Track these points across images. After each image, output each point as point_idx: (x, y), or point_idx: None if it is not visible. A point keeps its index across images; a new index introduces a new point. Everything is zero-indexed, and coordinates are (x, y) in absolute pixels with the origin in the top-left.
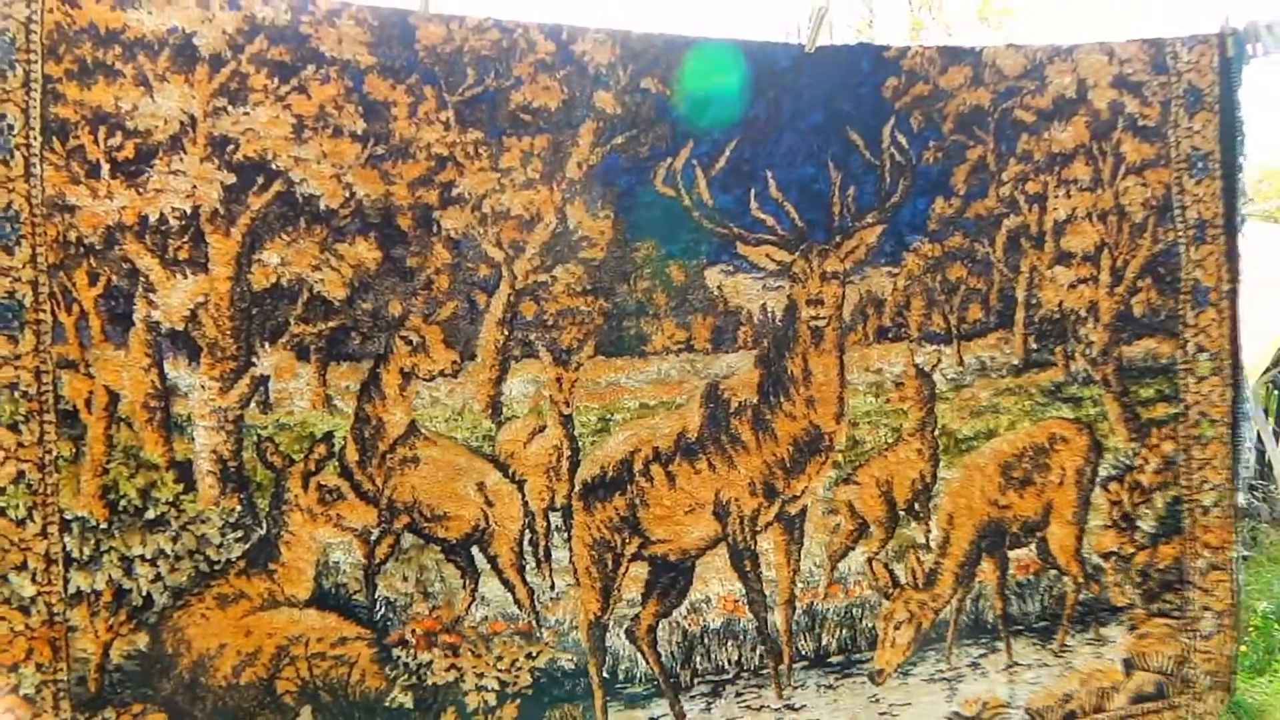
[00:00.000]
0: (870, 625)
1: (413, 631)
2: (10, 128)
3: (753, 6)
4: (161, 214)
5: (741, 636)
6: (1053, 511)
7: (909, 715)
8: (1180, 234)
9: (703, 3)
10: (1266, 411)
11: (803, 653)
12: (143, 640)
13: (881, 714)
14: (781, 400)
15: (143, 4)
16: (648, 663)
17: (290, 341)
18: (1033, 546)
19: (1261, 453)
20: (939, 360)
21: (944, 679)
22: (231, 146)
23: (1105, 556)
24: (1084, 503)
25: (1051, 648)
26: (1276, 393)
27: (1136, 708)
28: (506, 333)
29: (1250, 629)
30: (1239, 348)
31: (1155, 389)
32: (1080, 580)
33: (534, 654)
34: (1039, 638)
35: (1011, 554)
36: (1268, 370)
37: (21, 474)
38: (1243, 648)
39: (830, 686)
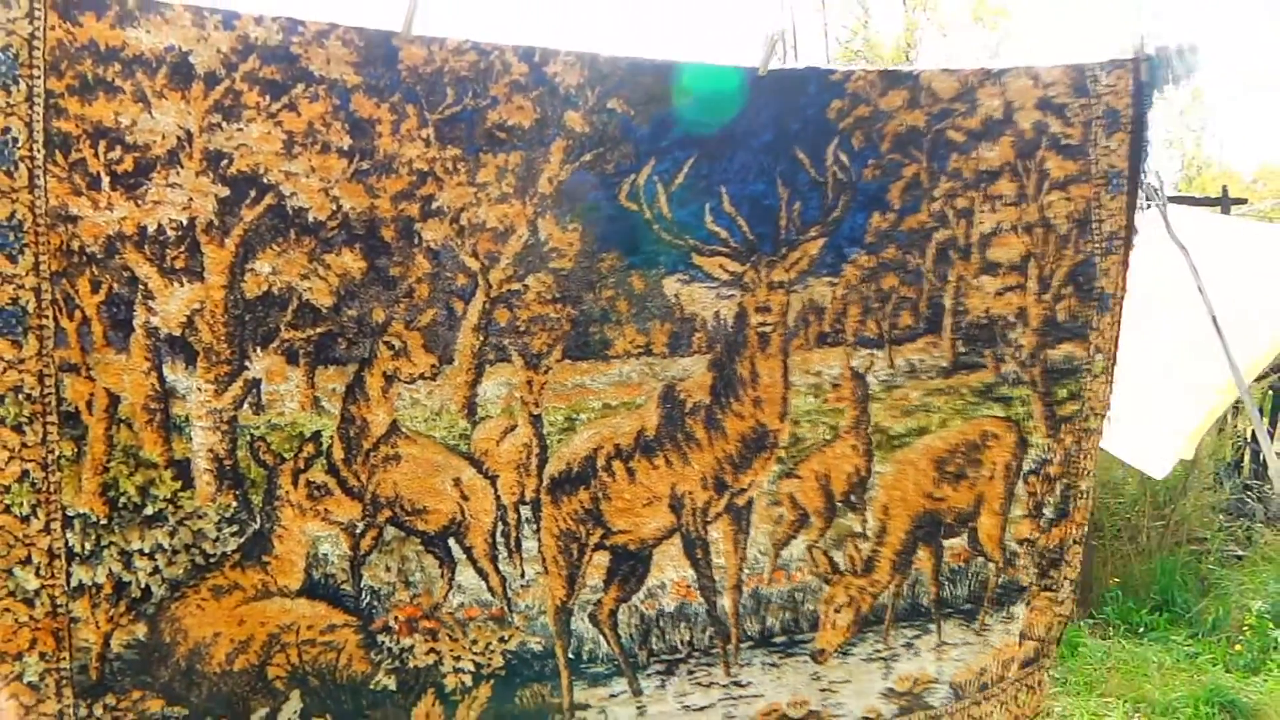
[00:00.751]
0: (811, 609)
1: (395, 618)
2: (15, 140)
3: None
4: (159, 225)
5: (693, 619)
6: (983, 503)
7: (848, 691)
8: (1096, 245)
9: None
10: (1261, 412)
11: (749, 634)
12: (141, 630)
13: (822, 690)
14: (731, 401)
15: (141, 23)
16: (609, 644)
17: (281, 346)
18: (964, 536)
19: (1257, 453)
20: (872, 363)
21: (881, 658)
22: (225, 161)
23: (1020, 543)
24: (1010, 495)
25: (974, 627)
26: (1272, 394)
27: (1022, 673)
28: (481, 338)
29: (1245, 629)
30: (1118, 347)
31: (1068, 389)
32: (1000, 565)
33: (506, 637)
34: (964, 619)
35: (946, 543)
36: (1265, 376)
37: (26, 473)
38: (1238, 646)
39: (774, 665)
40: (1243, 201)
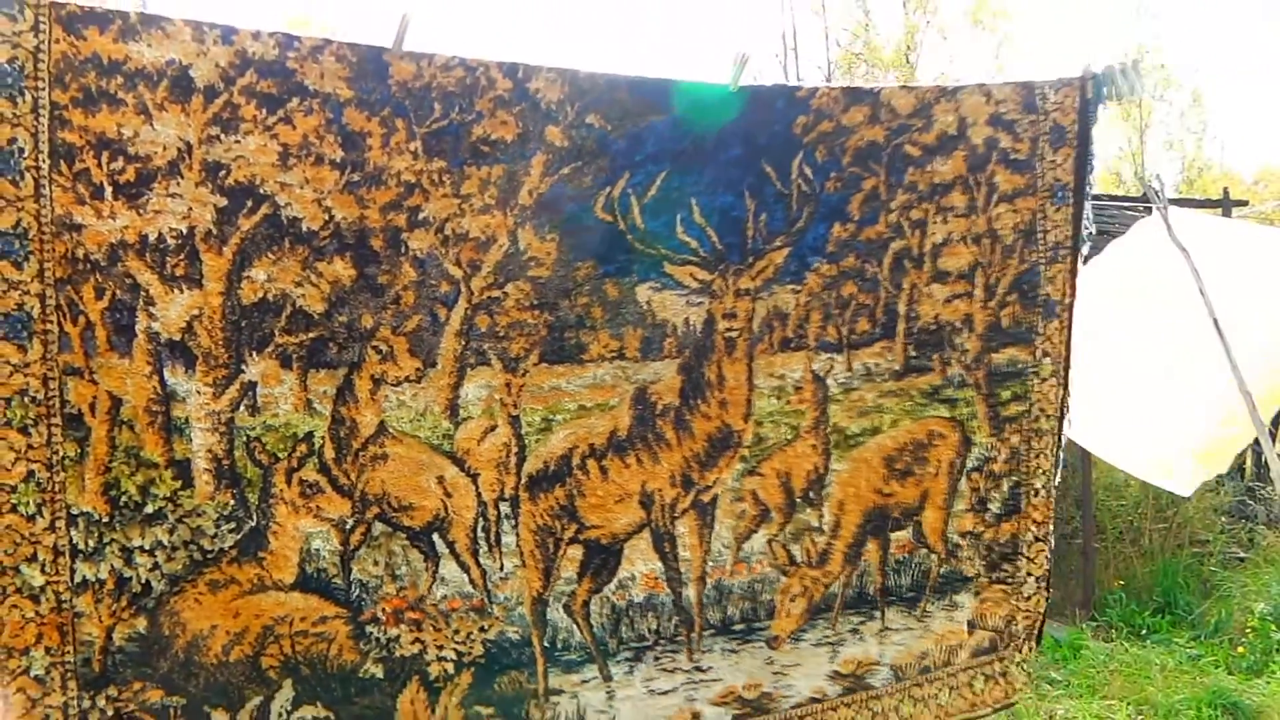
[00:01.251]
0: (769, 598)
1: (383, 610)
2: (21, 151)
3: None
4: (160, 233)
5: (660, 609)
6: (927, 498)
7: (797, 674)
8: (1041, 255)
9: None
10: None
11: (711, 622)
12: (141, 624)
13: (775, 673)
14: (699, 402)
15: (143, 37)
16: (582, 633)
17: (275, 351)
18: (909, 529)
19: (1259, 455)
20: (832, 367)
21: (829, 643)
22: (223, 172)
23: (963, 535)
24: (953, 490)
25: (915, 614)
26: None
27: (974, 660)
28: (464, 343)
29: (1248, 631)
30: (1069, 352)
31: (1011, 391)
32: (943, 556)
33: (486, 627)
34: (907, 606)
35: (893, 536)
36: None
37: (32, 473)
38: (1240, 649)
39: (733, 651)
40: (1244, 203)
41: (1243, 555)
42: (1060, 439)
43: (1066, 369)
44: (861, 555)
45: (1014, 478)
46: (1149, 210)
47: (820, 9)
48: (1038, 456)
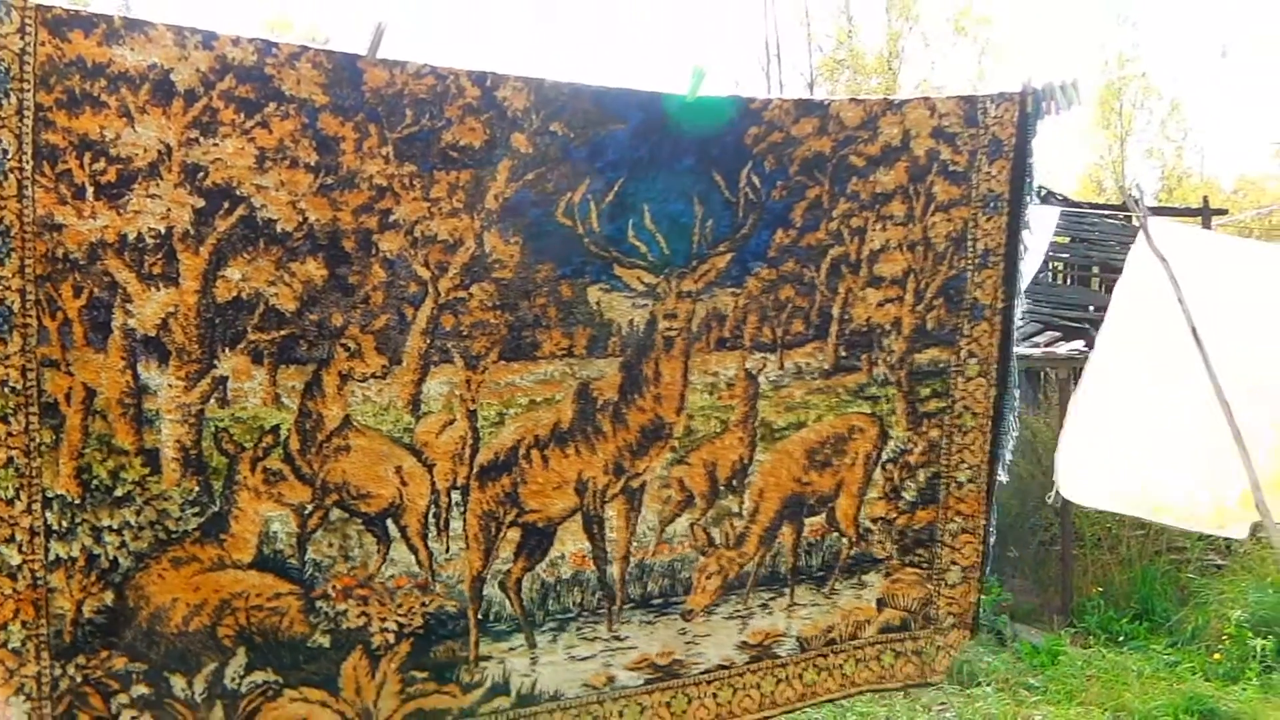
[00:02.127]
0: (687, 576)
1: (334, 587)
2: (5, 152)
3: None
4: (139, 233)
5: (586, 584)
6: (843, 487)
7: (708, 643)
8: (969, 262)
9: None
10: None
11: (632, 597)
12: (109, 597)
13: (687, 643)
14: (635, 397)
15: (126, 41)
16: (513, 607)
17: (247, 347)
18: (823, 515)
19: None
20: (765, 365)
21: (739, 616)
22: (202, 174)
23: (874, 521)
24: (867, 480)
25: (824, 591)
26: None
27: (883, 636)
28: (428, 341)
29: (1225, 638)
30: (1009, 355)
31: (931, 388)
32: (854, 540)
33: (427, 602)
34: (816, 584)
35: (807, 521)
36: None
37: (10, 459)
38: (1217, 656)
39: (650, 622)
40: (1223, 212)
41: (1220, 563)
42: (995, 437)
43: (1002, 370)
44: (776, 538)
45: (932, 469)
46: (1128, 219)
47: (804, 16)
48: (961, 450)
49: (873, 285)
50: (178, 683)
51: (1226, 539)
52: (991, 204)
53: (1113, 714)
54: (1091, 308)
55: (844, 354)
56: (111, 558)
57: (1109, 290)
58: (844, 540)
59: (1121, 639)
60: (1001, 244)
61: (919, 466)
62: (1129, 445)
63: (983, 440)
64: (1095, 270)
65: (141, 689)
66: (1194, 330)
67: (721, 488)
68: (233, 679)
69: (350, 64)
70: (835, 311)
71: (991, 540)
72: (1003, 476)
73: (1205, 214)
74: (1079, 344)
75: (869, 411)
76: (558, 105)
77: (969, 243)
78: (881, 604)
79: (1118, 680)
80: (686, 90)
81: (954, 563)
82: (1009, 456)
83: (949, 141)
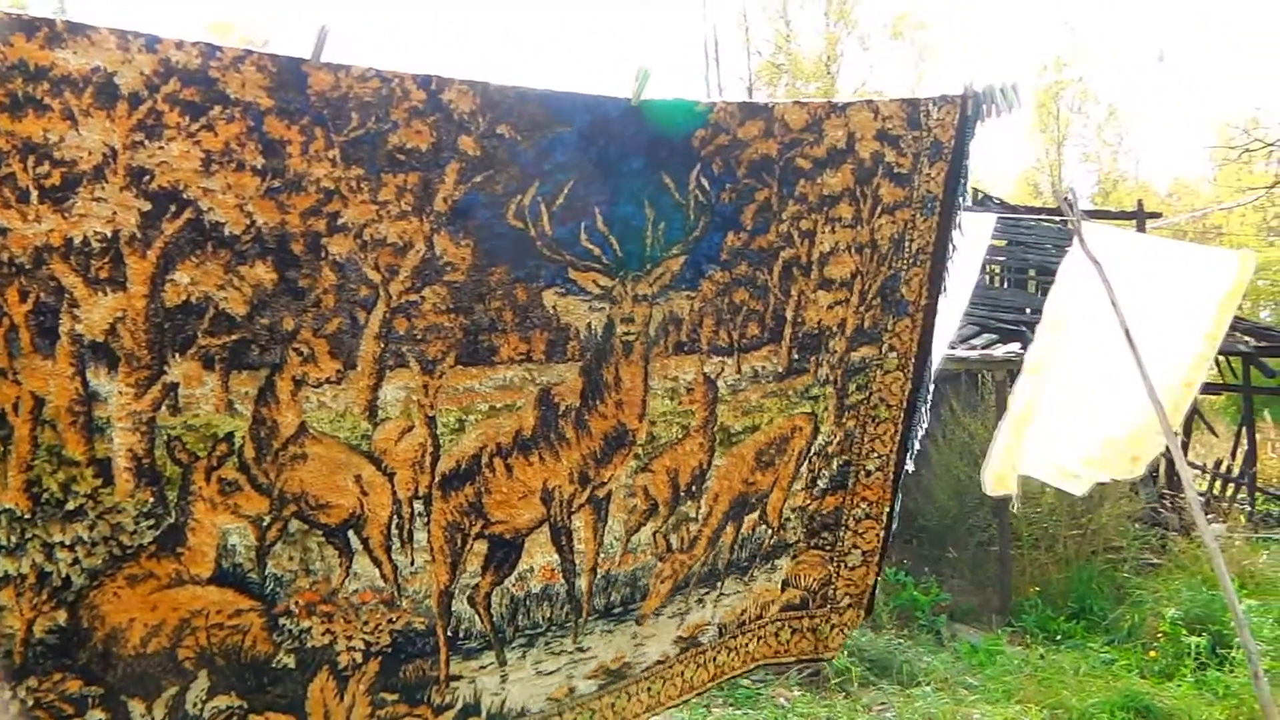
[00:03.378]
0: (646, 583)
1: (296, 603)
2: None
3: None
4: (85, 237)
5: (554, 599)
6: (776, 483)
7: (651, 643)
8: (903, 261)
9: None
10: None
11: (596, 608)
12: (62, 617)
13: (636, 645)
14: (597, 403)
15: (69, 44)
16: (482, 623)
17: (198, 352)
18: (758, 510)
19: (1171, 464)
20: (723, 369)
21: (680, 614)
22: (148, 177)
23: (793, 510)
24: (796, 474)
25: (744, 580)
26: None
27: (783, 614)
28: (382, 345)
29: (1160, 635)
30: (928, 351)
31: (856, 383)
32: (775, 529)
33: (394, 619)
34: (740, 574)
35: (746, 518)
36: None
37: None
38: (1152, 653)
39: (609, 631)
40: (1158, 215)
41: (1155, 561)
42: (904, 429)
43: (919, 365)
44: (721, 538)
45: (844, 457)
46: (1065, 222)
47: (742, 20)
48: (872, 440)
49: (824, 288)
50: (136, 708)
51: (1162, 539)
52: (928, 205)
53: (1050, 712)
54: (1028, 310)
55: (796, 356)
56: (64, 575)
57: (1045, 293)
58: (768, 531)
59: (1059, 638)
60: (930, 242)
61: (834, 455)
62: (1051, 441)
63: (894, 431)
64: (1032, 273)
65: (98, 714)
66: (1127, 332)
67: (682, 494)
68: (195, 704)
69: (295, 67)
70: (789, 314)
71: (894, 526)
72: (910, 466)
73: (1140, 217)
74: (1015, 346)
75: (809, 411)
76: (504, 108)
77: (906, 243)
78: (786, 584)
79: (1055, 678)
80: (632, 93)
81: (855, 546)
82: (917, 447)
83: (893, 144)
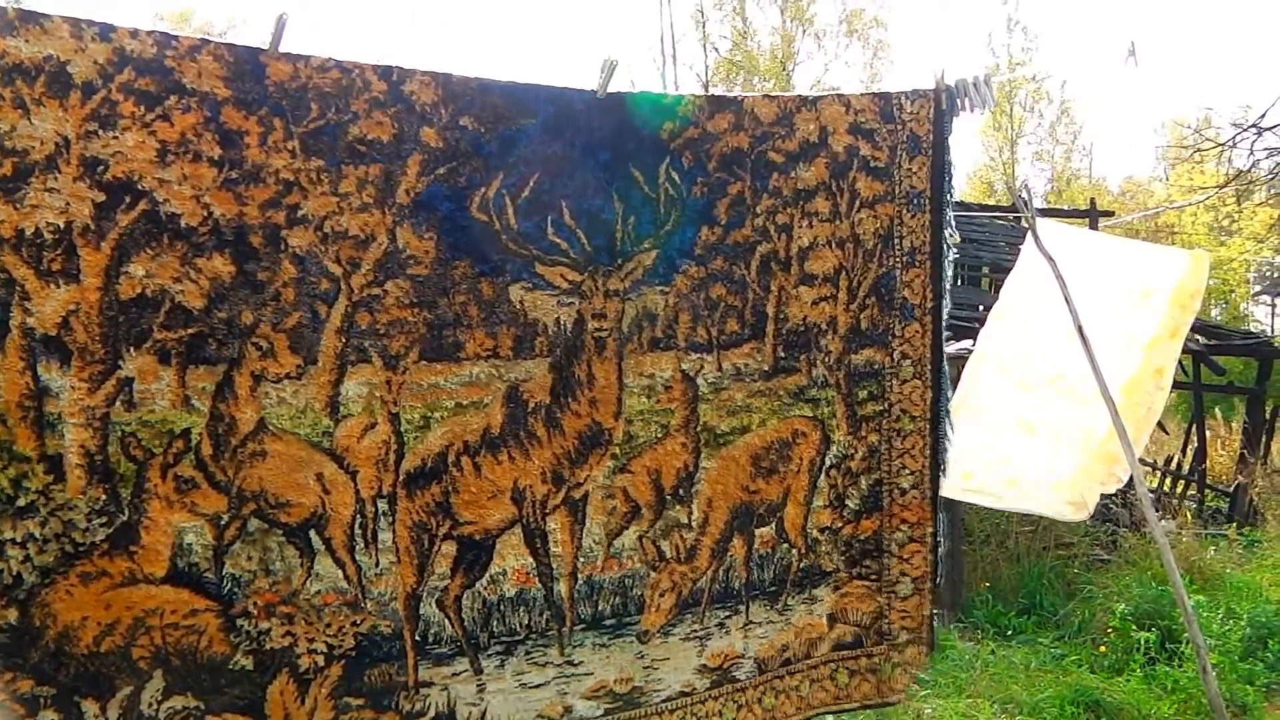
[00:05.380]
0: (639, 593)
1: (255, 604)
2: None
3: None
4: (37, 228)
5: (531, 604)
6: (789, 495)
7: (666, 667)
8: (897, 260)
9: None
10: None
11: (582, 617)
12: (13, 615)
13: (645, 667)
14: (569, 401)
15: (20, 32)
16: (453, 627)
17: (153, 346)
18: (773, 525)
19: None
20: (702, 366)
21: (697, 637)
22: (102, 167)
23: (821, 531)
24: (813, 487)
25: (777, 608)
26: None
27: (836, 654)
28: (344, 340)
29: (1110, 630)
30: (941, 355)
31: (868, 390)
32: (802, 551)
33: (359, 621)
34: (769, 600)
35: (757, 531)
36: None
37: None
38: (1102, 648)
39: (604, 645)
40: (1110, 214)
41: (1105, 557)
42: (933, 441)
43: (935, 371)
44: (728, 551)
45: (874, 475)
46: (1018, 219)
47: (699, 16)
48: (901, 456)
49: (805, 283)
50: (89, 708)
51: (1112, 534)
52: (915, 201)
53: (1001, 706)
54: (981, 308)
55: (783, 354)
56: (15, 573)
57: (998, 290)
58: (793, 552)
59: (1009, 633)
60: (926, 241)
61: (860, 473)
62: (997, 439)
63: (923, 444)
64: (985, 270)
65: (50, 715)
66: (1080, 328)
67: (668, 497)
68: (149, 704)
69: (252, 57)
70: (770, 310)
71: (941, 550)
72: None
73: (1092, 215)
74: (968, 343)
75: (810, 415)
76: (466, 99)
77: (896, 240)
78: (833, 619)
79: (1006, 673)
80: (597, 85)
81: (904, 574)
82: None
83: (868, 137)
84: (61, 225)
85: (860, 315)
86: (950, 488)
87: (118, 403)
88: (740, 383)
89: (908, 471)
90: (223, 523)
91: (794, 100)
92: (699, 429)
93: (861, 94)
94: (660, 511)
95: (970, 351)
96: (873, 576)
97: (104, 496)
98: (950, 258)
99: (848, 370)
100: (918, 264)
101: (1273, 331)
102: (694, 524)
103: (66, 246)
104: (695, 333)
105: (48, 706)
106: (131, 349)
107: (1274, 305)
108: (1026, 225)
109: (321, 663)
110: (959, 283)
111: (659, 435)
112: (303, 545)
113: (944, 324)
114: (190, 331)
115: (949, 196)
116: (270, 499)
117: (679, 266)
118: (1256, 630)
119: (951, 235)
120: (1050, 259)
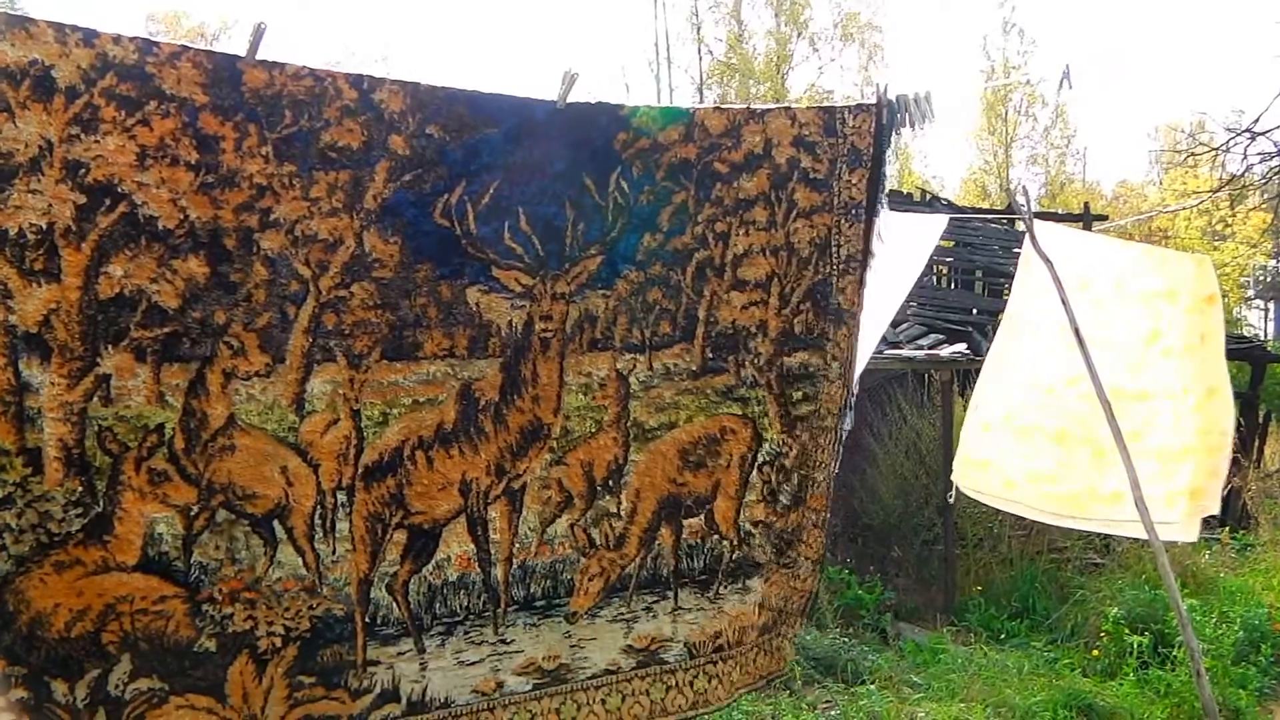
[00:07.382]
0: (569, 577)
1: (220, 590)
2: None
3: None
4: (20, 229)
5: (471, 587)
6: (719, 488)
7: (593, 647)
8: (834, 267)
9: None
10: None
11: (515, 599)
12: None
13: (572, 646)
14: (515, 398)
15: (6, 36)
16: (400, 610)
17: (130, 344)
18: (702, 516)
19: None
20: (635, 366)
21: (623, 620)
22: (83, 170)
23: (755, 524)
24: (744, 482)
25: (709, 596)
26: None
27: (760, 638)
28: (311, 339)
29: (1102, 634)
30: (855, 356)
31: (802, 392)
32: (735, 543)
33: (314, 605)
34: (699, 588)
35: (685, 522)
36: None
37: None
38: (1095, 652)
39: (534, 625)
40: (1104, 218)
41: (1099, 561)
42: (839, 436)
43: (849, 371)
44: (656, 539)
45: (801, 472)
46: (1012, 223)
47: (694, 18)
48: (821, 452)
49: (737, 289)
50: (59, 688)
51: (1105, 538)
52: (853, 211)
53: (994, 710)
54: (975, 311)
55: (711, 355)
56: None
57: (992, 294)
58: (725, 543)
59: (1003, 636)
60: (859, 250)
61: (793, 470)
62: (1018, 443)
63: (834, 439)
64: (978, 274)
65: (20, 693)
66: (1077, 330)
67: (598, 488)
68: (116, 685)
69: (230, 64)
70: (701, 314)
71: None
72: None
73: (1086, 219)
74: (962, 346)
75: (740, 413)
76: (433, 108)
77: (833, 249)
78: (761, 608)
79: (999, 677)
80: (558, 96)
81: (805, 557)
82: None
83: (809, 150)
84: (44, 226)
85: (794, 320)
86: (991, 496)
87: (95, 398)
88: (669, 381)
89: (821, 465)
90: (192, 513)
91: (743, 113)
92: (629, 424)
93: (808, 108)
94: (591, 501)
95: (965, 355)
96: (790, 564)
97: (80, 488)
98: (871, 266)
99: (780, 372)
100: (851, 271)
101: (1265, 336)
102: (623, 513)
103: (48, 247)
104: (631, 334)
105: (18, 685)
106: (109, 346)
107: (1267, 310)
108: (1023, 228)
109: (279, 644)
110: (953, 286)
111: (593, 430)
112: (267, 534)
113: (860, 326)
114: (166, 330)
115: (880, 205)
116: (238, 491)
117: (621, 271)
118: (1250, 634)
119: (879, 243)
120: (1048, 261)
